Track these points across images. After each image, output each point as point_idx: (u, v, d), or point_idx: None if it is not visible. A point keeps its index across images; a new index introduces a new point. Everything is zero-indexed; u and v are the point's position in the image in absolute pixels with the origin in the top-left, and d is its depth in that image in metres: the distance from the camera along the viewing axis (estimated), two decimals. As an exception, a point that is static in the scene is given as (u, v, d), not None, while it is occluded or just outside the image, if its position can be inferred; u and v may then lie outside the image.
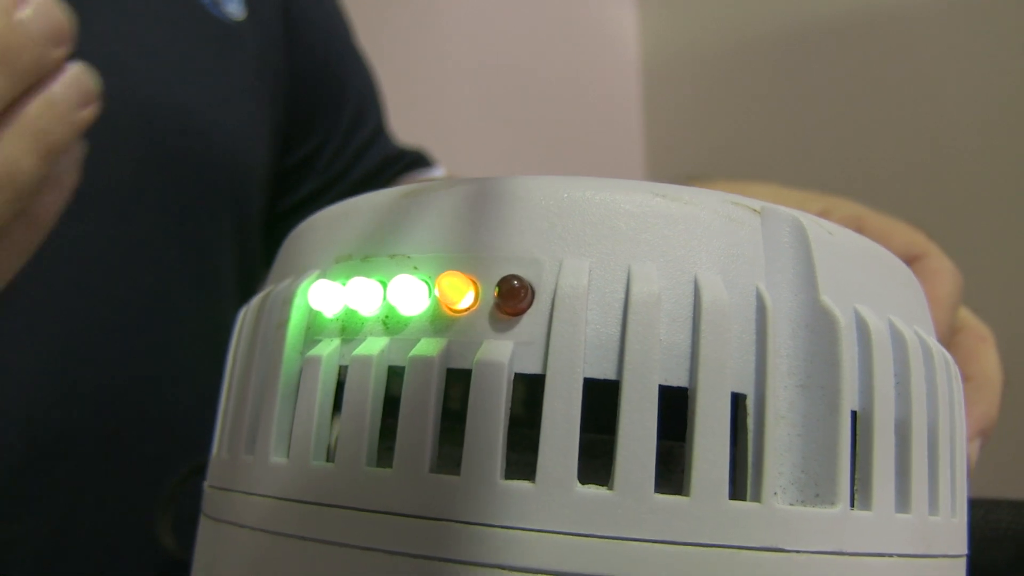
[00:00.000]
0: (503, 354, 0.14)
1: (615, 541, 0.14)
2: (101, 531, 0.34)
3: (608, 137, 1.14)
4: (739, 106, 1.06)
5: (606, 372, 0.14)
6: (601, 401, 0.15)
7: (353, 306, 0.16)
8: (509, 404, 0.14)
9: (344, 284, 0.16)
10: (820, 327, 0.15)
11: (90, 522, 0.34)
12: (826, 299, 0.15)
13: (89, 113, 0.20)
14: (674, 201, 0.16)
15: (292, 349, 0.17)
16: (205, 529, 0.18)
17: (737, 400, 0.15)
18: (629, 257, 0.15)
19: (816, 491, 0.15)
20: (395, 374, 0.15)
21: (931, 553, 0.16)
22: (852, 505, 0.15)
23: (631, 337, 0.14)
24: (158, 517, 0.27)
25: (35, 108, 0.18)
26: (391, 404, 0.15)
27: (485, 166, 0.90)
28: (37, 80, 0.18)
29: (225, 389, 0.19)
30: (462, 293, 0.15)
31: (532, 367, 0.14)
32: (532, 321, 0.15)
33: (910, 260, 0.26)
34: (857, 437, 0.15)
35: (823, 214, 0.28)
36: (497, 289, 0.15)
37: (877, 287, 0.17)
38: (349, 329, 0.16)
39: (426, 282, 0.15)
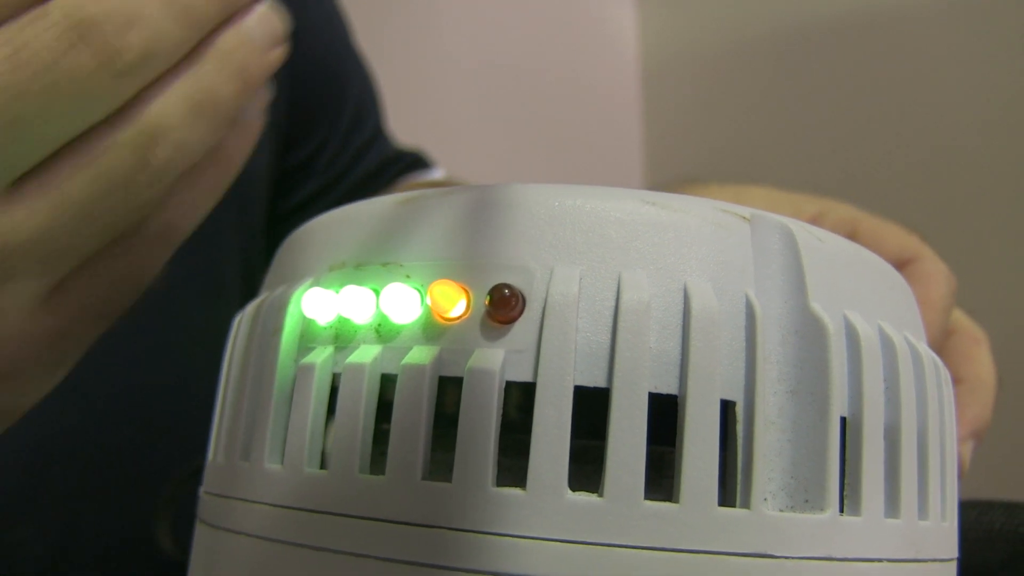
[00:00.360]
0: (494, 362, 0.14)
1: (605, 548, 0.14)
2: (107, 535, 0.35)
3: (607, 137, 1.14)
4: (738, 107, 1.06)
5: (596, 380, 0.14)
6: (592, 408, 0.15)
7: (346, 314, 0.16)
8: (500, 412, 0.14)
9: (337, 292, 0.16)
10: (809, 333, 0.15)
11: (96, 526, 0.34)
12: (815, 306, 0.16)
13: (278, 54, 0.20)
14: (664, 209, 0.16)
15: (286, 357, 0.17)
16: (201, 535, 0.18)
17: (727, 407, 0.15)
18: (619, 265, 0.15)
19: (806, 497, 0.15)
20: (388, 381, 0.16)
21: (921, 558, 0.16)
22: (841, 511, 0.15)
23: (621, 345, 0.14)
24: (156, 520, 0.27)
25: (231, 41, 0.18)
26: (385, 410, 0.15)
27: (484, 166, 0.90)
28: (230, 14, 0.18)
29: (220, 395, 0.19)
30: (454, 301, 0.15)
31: (523, 375, 0.15)
32: (523, 329, 0.15)
33: (903, 263, 0.26)
34: (847, 443, 0.16)
35: (818, 217, 0.28)
36: (488, 297, 0.15)
37: (867, 293, 0.17)
38: (342, 337, 0.16)
39: (418, 290, 0.15)
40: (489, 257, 0.15)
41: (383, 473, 0.15)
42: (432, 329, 0.15)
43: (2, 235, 0.16)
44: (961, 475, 0.22)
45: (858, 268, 0.17)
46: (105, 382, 0.34)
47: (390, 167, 0.52)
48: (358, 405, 0.15)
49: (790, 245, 0.16)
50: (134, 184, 0.17)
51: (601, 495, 0.14)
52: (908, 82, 0.87)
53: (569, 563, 0.14)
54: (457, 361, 0.15)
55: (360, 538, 0.15)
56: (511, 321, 0.15)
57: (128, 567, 0.35)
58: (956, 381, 0.24)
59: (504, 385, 0.14)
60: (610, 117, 1.15)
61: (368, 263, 0.16)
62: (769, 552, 0.14)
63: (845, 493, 0.15)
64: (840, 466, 0.15)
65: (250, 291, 0.42)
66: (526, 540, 0.14)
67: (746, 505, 0.14)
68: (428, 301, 0.15)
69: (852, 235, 0.28)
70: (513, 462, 0.15)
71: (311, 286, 0.17)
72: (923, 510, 0.16)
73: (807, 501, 0.15)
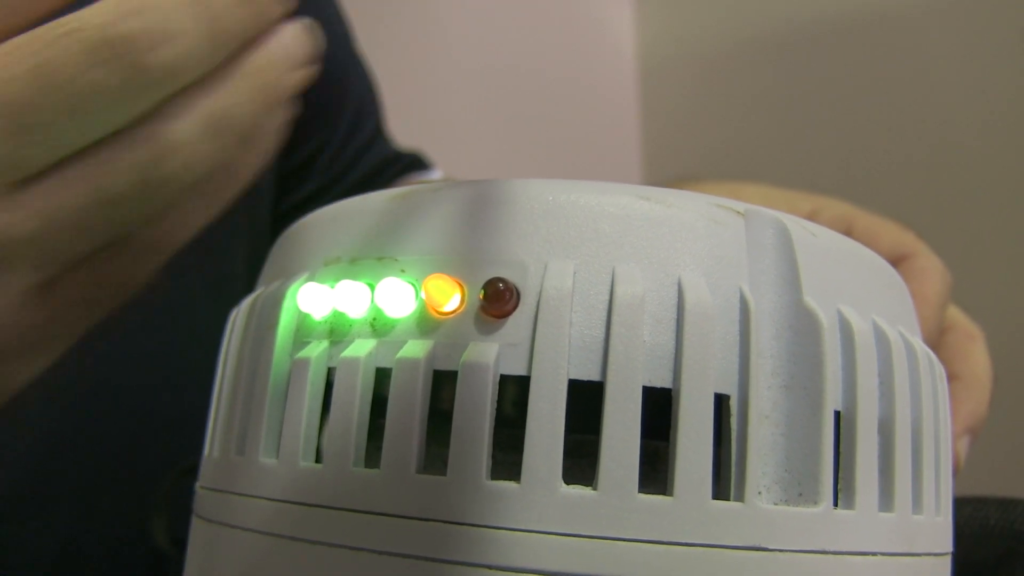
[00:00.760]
0: (489, 356, 0.14)
1: (599, 540, 0.14)
2: (116, 530, 0.35)
3: (605, 137, 1.14)
4: (736, 106, 1.06)
5: (590, 373, 0.15)
6: (586, 402, 0.15)
7: (341, 308, 0.16)
8: (495, 405, 0.14)
9: (332, 287, 0.16)
10: (803, 328, 0.15)
11: (104, 522, 0.34)
12: (809, 300, 0.16)
13: (305, 74, 0.19)
14: (658, 204, 0.16)
15: (281, 351, 0.17)
16: (197, 530, 0.18)
17: (721, 400, 0.15)
18: (613, 259, 0.15)
19: (799, 490, 0.15)
20: (383, 375, 0.16)
21: (915, 552, 0.16)
22: (835, 504, 0.15)
23: (615, 339, 0.14)
24: (153, 516, 0.27)
25: (259, 60, 0.18)
26: (379, 406, 0.15)
27: (482, 166, 0.91)
28: (260, 32, 0.18)
29: (216, 390, 0.20)
30: (448, 296, 0.15)
31: (517, 369, 0.15)
32: (517, 323, 0.15)
33: (899, 259, 0.26)
34: (841, 437, 0.16)
35: (813, 214, 0.28)
36: (483, 292, 0.15)
37: (861, 288, 0.17)
38: (337, 331, 0.16)
39: (413, 285, 0.15)
40: (483, 252, 0.15)
41: (378, 467, 0.15)
42: (427, 323, 0.15)
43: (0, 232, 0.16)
44: (956, 471, 0.22)
45: (852, 263, 0.17)
46: (113, 379, 0.34)
47: (388, 168, 0.52)
48: (353, 399, 0.15)
49: (784, 240, 0.16)
50: (136, 198, 0.17)
51: (595, 488, 0.14)
52: (906, 82, 0.87)
53: (563, 556, 0.14)
54: (452, 355, 0.15)
55: (355, 531, 0.15)
56: (505, 315, 0.15)
57: (137, 562, 0.35)
58: (951, 377, 0.24)
59: (499, 378, 0.15)
60: (608, 117, 1.15)
61: (363, 258, 0.17)
62: (763, 545, 0.14)
63: (839, 487, 0.15)
64: (834, 460, 0.15)
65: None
66: (520, 533, 0.14)
67: (740, 498, 0.14)
68: (423, 295, 0.15)
69: (848, 232, 0.28)
70: (507, 457, 0.15)
71: (306, 281, 0.17)
72: (917, 504, 0.16)
73: (801, 495, 0.15)
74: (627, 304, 0.15)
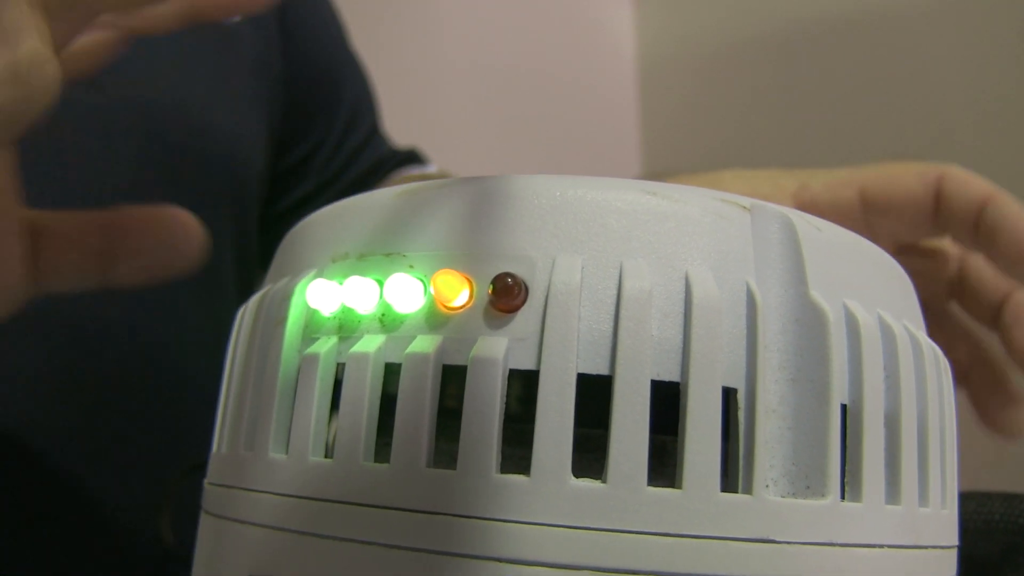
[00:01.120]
0: (498, 350, 0.15)
1: (608, 533, 0.14)
2: (107, 530, 0.35)
3: (604, 136, 1.14)
4: (735, 105, 1.06)
5: (599, 367, 0.15)
6: (594, 396, 0.15)
7: (350, 304, 0.16)
8: (504, 399, 0.15)
9: (341, 283, 0.16)
10: (809, 322, 0.16)
11: (98, 520, 0.34)
12: (815, 294, 0.16)
13: None
14: (665, 199, 0.16)
15: (290, 347, 0.17)
16: (205, 525, 0.19)
17: (728, 394, 0.15)
18: (621, 254, 0.15)
19: (807, 483, 0.15)
20: (392, 371, 0.16)
21: (921, 544, 0.16)
22: (842, 497, 0.15)
23: (623, 333, 0.15)
24: (158, 514, 0.27)
25: None
26: (388, 401, 0.16)
27: (481, 165, 0.91)
28: None
29: (224, 386, 0.20)
30: (457, 291, 0.15)
31: (526, 363, 0.15)
32: (526, 318, 0.15)
33: (932, 182, 0.26)
34: (847, 430, 0.16)
35: (802, 188, 0.28)
36: (491, 286, 0.15)
37: (866, 282, 0.17)
38: (346, 327, 0.16)
39: (421, 280, 0.16)
40: (492, 247, 0.16)
41: (387, 462, 0.15)
42: (435, 318, 0.15)
43: None
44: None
45: (857, 257, 0.17)
46: (104, 378, 0.35)
47: (383, 166, 0.52)
48: (362, 394, 0.15)
49: (789, 234, 0.16)
50: None
51: (604, 481, 0.14)
52: (906, 81, 0.87)
53: (572, 548, 0.14)
54: (461, 350, 0.15)
55: (365, 526, 0.15)
56: (514, 310, 0.15)
57: (144, 560, 0.35)
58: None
59: (508, 373, 0.15)
60: (607, 116, 1.16)
61: (371, 254, 0.17)
62: (771, 537, 0.14)
63: (846, 480, 0.15)
64: (841, 453, 0.15)
65: (244, 290, 0.43)
66: (530, 526, 0.14)
67: (748, 491, 0.14)
68: (431, 291, 0.15)
69: (862, 188, 0.27)
70: (516, 451, 0.15)
71: (315, 277, 0.17)
72: (923, 497, 0.17)
73: (808, 487, 0.15)
74: (635, 298, 0.15)
